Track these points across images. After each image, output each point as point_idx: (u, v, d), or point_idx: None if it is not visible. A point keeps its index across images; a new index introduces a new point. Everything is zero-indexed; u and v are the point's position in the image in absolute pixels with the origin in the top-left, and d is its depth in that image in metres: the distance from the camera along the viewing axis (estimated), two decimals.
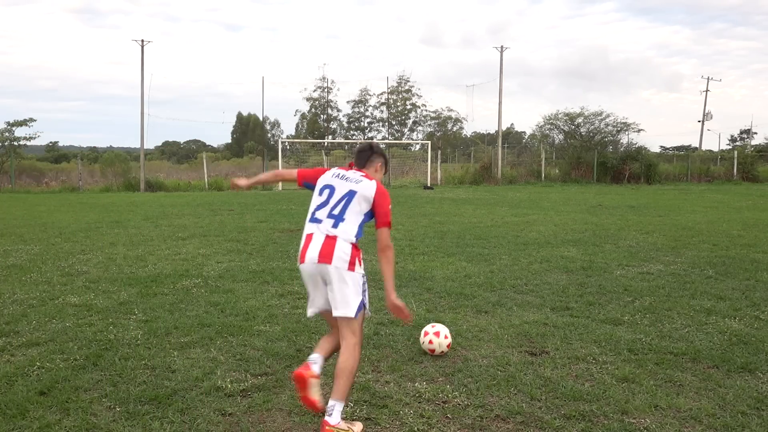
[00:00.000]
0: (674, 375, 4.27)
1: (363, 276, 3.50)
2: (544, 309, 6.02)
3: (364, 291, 3.49)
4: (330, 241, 3.43)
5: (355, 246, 3.48)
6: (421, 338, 4.77)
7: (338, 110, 43.69)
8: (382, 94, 42.70)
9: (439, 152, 36.30)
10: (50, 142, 49.77)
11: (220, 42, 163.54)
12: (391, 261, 3.52)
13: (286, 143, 40.63)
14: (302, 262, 3.51)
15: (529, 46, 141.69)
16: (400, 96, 42.52)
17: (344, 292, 3.41)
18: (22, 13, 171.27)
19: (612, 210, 16.94)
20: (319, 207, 3.55)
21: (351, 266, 3.43)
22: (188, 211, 16.75)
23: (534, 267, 8.21)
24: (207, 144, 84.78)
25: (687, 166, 36.47)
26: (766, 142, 53.91)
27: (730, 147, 54.73)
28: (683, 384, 4.12)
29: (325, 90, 41.96)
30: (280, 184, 31.03)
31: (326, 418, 3.32)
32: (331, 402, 3.34)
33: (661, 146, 64.60)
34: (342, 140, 40.89)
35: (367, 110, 43.65)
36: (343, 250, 3.41)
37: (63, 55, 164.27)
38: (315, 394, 3.36)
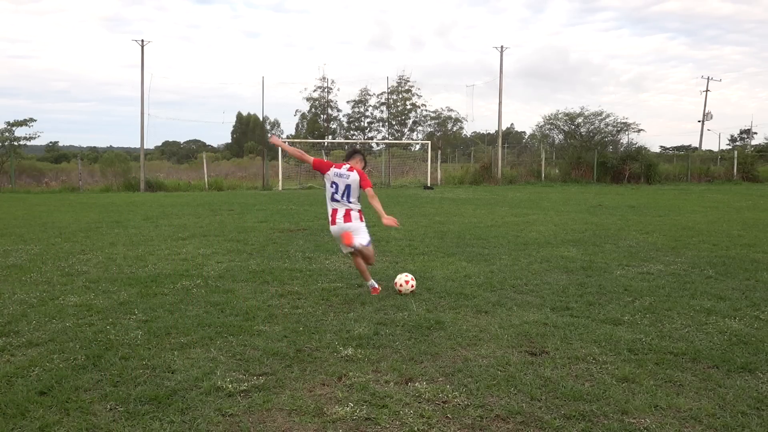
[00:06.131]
0: (674, 375, 4.27)
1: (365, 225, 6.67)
2: (544, 309, 6.02)
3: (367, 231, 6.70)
4: (348, 212, 6.53)
5: (360, 210, 6.61)
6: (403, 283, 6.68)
7: (338, 110, 43.63)
8: (382, 94, 42.66)
9: (439, 152, 36.31)
10: (50, 142, 49.88)
11: (237, 47, 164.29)
12: (378, 201, 6.41)
13: (286, 143, 40.53)
14: (333, 224, 6.55)
15: (531, 50, 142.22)
16: (400, 96, 42.49)
17: (360, 233, 6.56)
18: (51, 20, 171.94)
19: (612, 210, 16.94)
20: (335, 193, 6.52)
21: (361, 219, 6.61)
22: (188, 211, 16.75)
23: (534, 267, 8.21)
24: (207, 144, 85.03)
25: (687, 166, 36.49)
26: (766, 142, 53.91)
27: (730, 147, 54.78)
28: (683, 384, 4.12)
29: (325, 90, 41.95)
30: (280, 184, 31.12)
31: (376, 285, 6.72)
32: (371, 282, 6.73)
33: (661, 146, 64.62)
34: (342, 140, 40.87)
35: (367, 110, 43.60)
36: (356, 214, 6.57)
37: (81, 59, 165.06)
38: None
